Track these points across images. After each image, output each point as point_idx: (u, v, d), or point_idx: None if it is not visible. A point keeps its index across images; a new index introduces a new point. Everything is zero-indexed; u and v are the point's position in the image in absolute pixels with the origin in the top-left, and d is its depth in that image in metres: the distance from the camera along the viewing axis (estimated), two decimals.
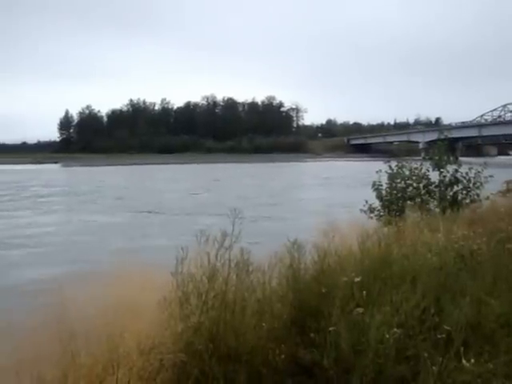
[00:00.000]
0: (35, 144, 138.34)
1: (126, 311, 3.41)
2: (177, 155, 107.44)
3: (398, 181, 10.80)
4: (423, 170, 10.90)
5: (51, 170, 78.45)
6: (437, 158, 10.92)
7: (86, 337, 3.40)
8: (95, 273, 3.99)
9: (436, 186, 10.73)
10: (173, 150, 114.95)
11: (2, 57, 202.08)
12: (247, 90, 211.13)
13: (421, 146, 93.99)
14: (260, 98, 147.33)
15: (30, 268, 12.15)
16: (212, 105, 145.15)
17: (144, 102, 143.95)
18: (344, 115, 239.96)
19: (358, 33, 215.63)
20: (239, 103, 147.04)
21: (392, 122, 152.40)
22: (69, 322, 3.46)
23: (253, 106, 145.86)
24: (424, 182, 10.76)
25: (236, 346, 3.42)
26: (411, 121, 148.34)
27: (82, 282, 3.97)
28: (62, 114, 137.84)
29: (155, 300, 3.54)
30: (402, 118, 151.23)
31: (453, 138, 33.21)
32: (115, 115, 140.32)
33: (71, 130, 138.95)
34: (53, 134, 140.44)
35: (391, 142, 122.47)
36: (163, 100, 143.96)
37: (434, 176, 10.88)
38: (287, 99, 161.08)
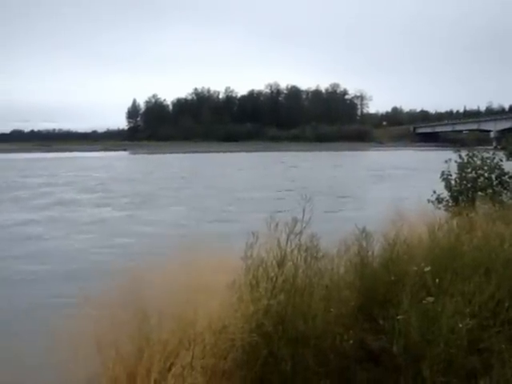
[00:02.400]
0: (104, 132, 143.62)
1: (198, 292, 3.54)
2: (240, 143, 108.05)
3: (469, 171, 10.44)
4: (496, 160, 10.48)
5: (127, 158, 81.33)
6: (511, 147, 10.47)
7: (159, 315, 3.58)
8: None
9: (510, 177, 10.29)
10: (236, 138, 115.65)
11: (74, 50, 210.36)
12: (311, 77, 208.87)
13: (492, 134, 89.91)
14: (324, 86, 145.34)
15: None
16: (275, 93, 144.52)
17: (208, 91, 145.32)
18: (410, 103, 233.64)
19: (425, 18, 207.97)
20: (303, 91, 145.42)
21: (461, 110, 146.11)
22: (143, 301, 3.64)
23: (316, 93, 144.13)
24: (496, 172, 10.34)
25: (304, 330, 3.48)
26: (482, 108, 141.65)
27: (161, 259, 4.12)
28: (130, 104, 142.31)
29: (224, 283, 3.64)
30: (472, 106, 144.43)
31: None
32: (180, 104, 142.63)
33: (138, 119, 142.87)
34: (121, 123, 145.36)
35: (460, 131, 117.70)
36: (227, 88, 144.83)
37: (508, 166, 10.44)
38: (352, 87, 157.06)
